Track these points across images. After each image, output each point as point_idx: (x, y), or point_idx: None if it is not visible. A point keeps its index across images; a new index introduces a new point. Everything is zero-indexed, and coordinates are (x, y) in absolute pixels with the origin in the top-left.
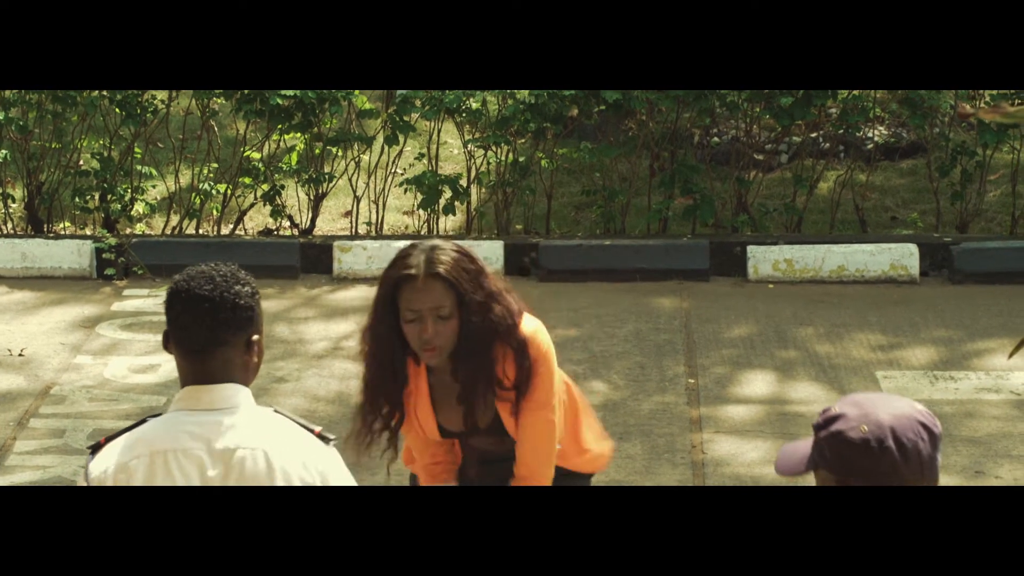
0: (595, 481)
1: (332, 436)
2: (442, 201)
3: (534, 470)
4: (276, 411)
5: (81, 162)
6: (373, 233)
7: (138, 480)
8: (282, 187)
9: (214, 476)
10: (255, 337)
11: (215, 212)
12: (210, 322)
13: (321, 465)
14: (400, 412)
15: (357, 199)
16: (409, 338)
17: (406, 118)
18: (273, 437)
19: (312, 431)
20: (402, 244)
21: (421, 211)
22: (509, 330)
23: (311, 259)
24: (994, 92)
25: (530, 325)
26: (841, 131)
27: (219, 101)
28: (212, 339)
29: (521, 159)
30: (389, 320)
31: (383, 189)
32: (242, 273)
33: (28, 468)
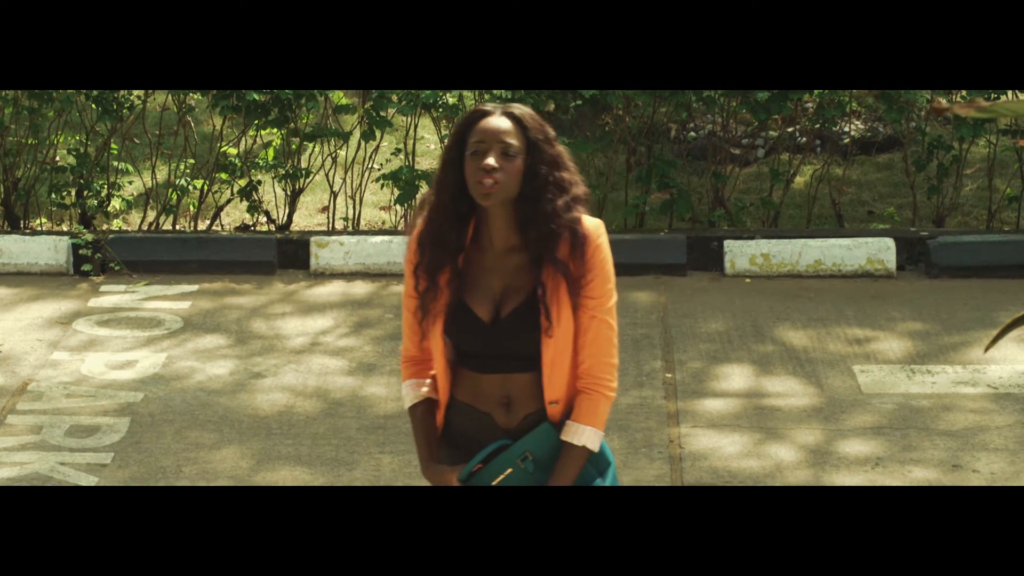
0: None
1: None
2: (419, 196)
3: (600, 379)
4: None
5: (57, 158)
6: (350, 228)
7: None
8: (259, 183)
9: None
10: None
11: (192, 208)
12: None
13: None
14: (456, 272)
15: (334, 194)
16: (469, 174)
17: (383, 113)
18: None
19: None
20: (380, 239)
21: (398, 206)
22: (575, 201)
23: (288, 255)
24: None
25: (594, 220)
26: (817, 125)
27: (195, 97)
28: None
29: None
30: (455, 163)
31: (360, 184)
32: None
33: (6, 464)
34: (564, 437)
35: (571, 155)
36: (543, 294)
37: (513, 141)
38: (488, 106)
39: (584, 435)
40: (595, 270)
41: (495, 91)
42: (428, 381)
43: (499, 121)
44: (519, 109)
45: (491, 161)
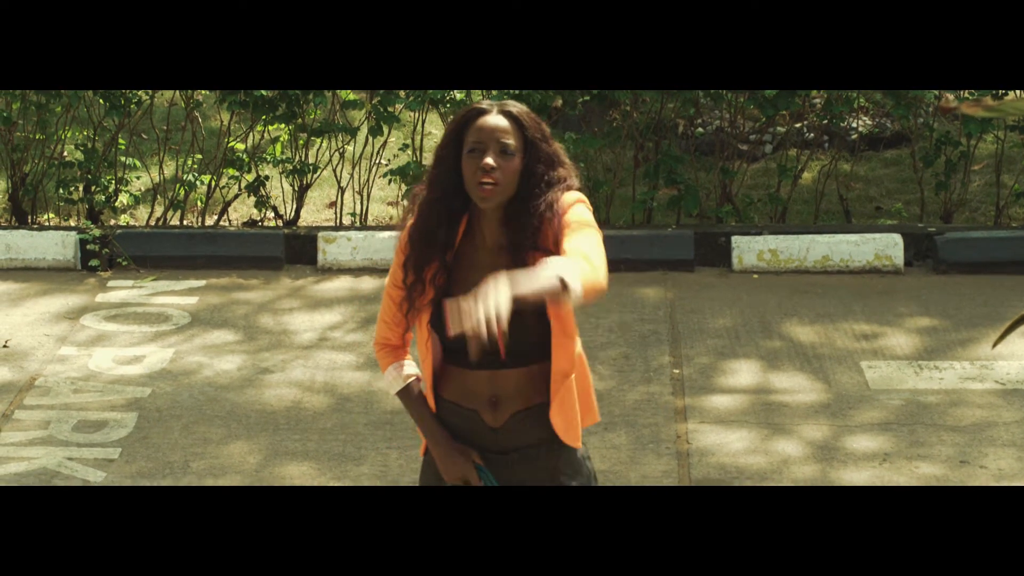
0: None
1: None
2: (412, 190)
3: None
4: None
5: (65, 153)
6: (358, 224)
7: None
8: (266, 178)
9: None
10: None
11: (199, 203)
12: None
13: None
14: (443, 268)
15: (341, 190)
16: (467, 174)
17: (390, 109)
18: None
19: None
20: (387, 235)
21: (405, 201)
22: (567, 191)
23: (295, 250)
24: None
25: (574, 193)
26: (825, 121)
27: (203, 93)
28: None
29: None
30: (451, 160)
31: (367, 180)
32: None
33: (13, 460)
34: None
35: (566, 150)
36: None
37: (511, 140)
38: (484, 104)
39: (556, 264)
40: (571, 221)
41: (503, 90)
42: (407, 361)
43: (497, 120)
44: (516, 107)
45: (490, 160)
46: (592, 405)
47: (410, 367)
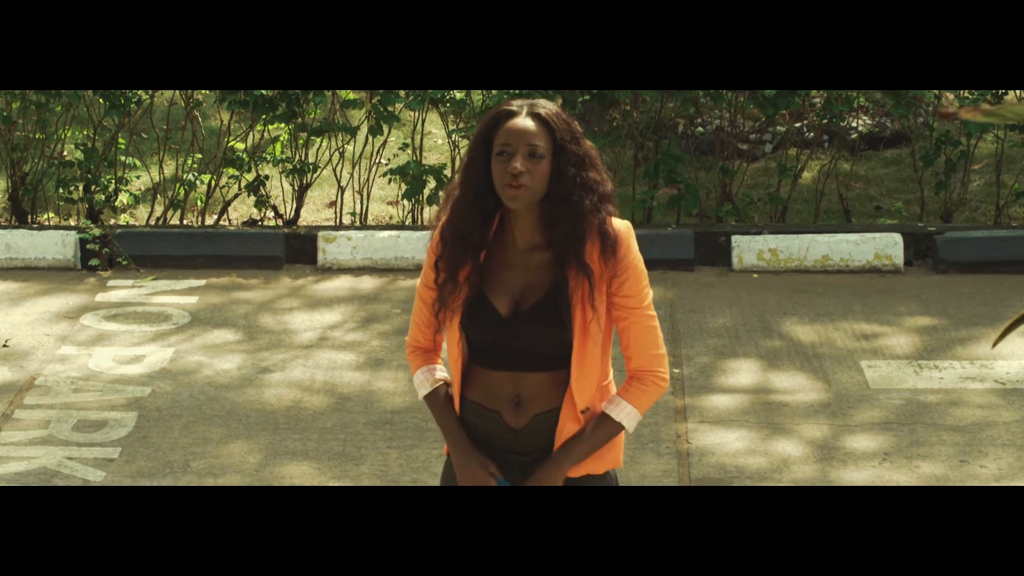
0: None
1: None
2: (426, 191)
3: (651, 370)
4: None
5: (65, 153)
6: (358, 223)
7: None
8: (266, 177)
9: None
10: None
11: (199, 203)
12: None
13: None
14: (476, 267)
15: (341, 189)
16: (496, 176)
17: (390, 108)
18: None
19: None
20: (387, 234)
21: (405, 201)
22: (604, 199)
23: (295, 249)
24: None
25: (623, 222)
26: (825, 121)
27: (203, 92)
28: None
29: None
30: (481, 161)
31: (367, 179)
32: None
33: (13, 459)
34: (604, 408)
35: (598, 152)
36: (565, 291)
37: (540, 142)
38: (514, 104)
39: (624, 411)
40: (629, 271)
41: (503, 90)
42: (439, 366)
43: (526, 122)
44: (545, 109)
45: (518, 165)
46: (616, 446)
47: (440, 371)
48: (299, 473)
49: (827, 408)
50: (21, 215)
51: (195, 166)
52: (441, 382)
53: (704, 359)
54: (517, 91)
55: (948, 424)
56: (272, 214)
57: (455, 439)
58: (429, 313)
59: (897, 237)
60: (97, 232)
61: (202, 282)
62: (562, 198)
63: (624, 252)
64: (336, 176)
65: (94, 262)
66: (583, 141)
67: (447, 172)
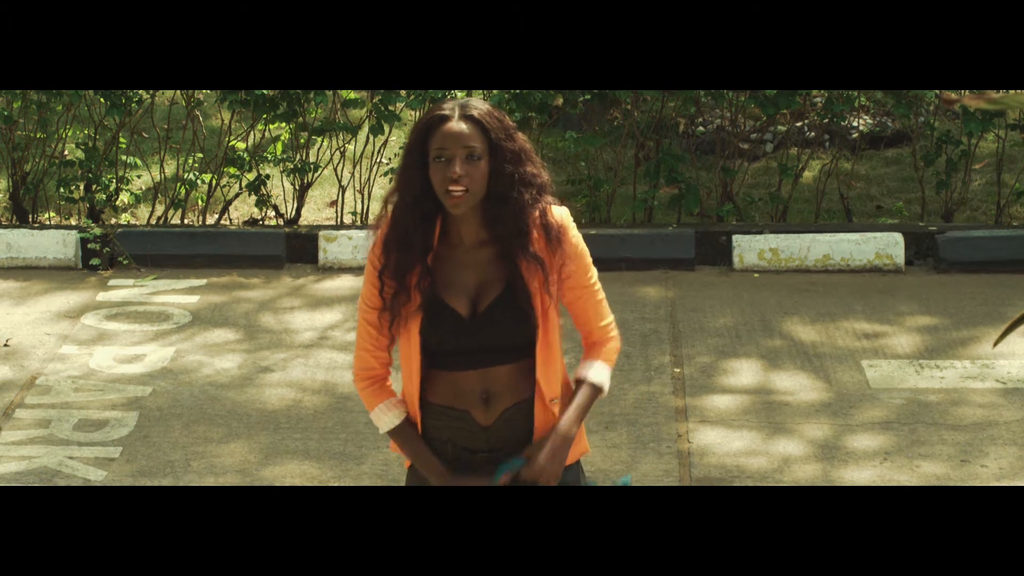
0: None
1: None
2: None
3: (603, 334)
4: None
5: (66, 152)
6: (359, 223)
7: None
8: (267, 177)
9: None
10: None
11: (200, 202)
12: None
13: None
14: (426, 272)
15: (342, 189)
16: (435, 182)
17: (391, 107)
18: None
19: None
20: None
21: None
22: (542, 191)
23: (296, 249)
24: None
25: (560, 208)
26: (826, 120)
27: (204, 91)
28: None
29: None
30: (418, 166)
31: (368, 179)
32: None
33: (13, 459)
34: (578, 373)
35: (532, 144)
36: (522, 283)
37: (476, 144)
38: (446, 107)
39: (593, 368)
40: (573, 257)
41: (504, 90)
42: (398, 399)
43: (460, 125)
44: (477, 109)
45: (458, 169)
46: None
47: (401, 404)
48: (299, 472)
49: (828, 408)
50: (22, 214)
51: (196, 165)
52: (405, 415)
53: (705, 359)
54: (517, 91)
55: (949, 424)
56: (273, 213)
57: (432, 469)
58: (377, 332)
59: (898, 237)
60: (98, 231)
61: (203, 281)
62: (503, 196)
63: (567, 240)
64: (337, 175)
65: (95, 261)
66: (517, 136)
67: None
